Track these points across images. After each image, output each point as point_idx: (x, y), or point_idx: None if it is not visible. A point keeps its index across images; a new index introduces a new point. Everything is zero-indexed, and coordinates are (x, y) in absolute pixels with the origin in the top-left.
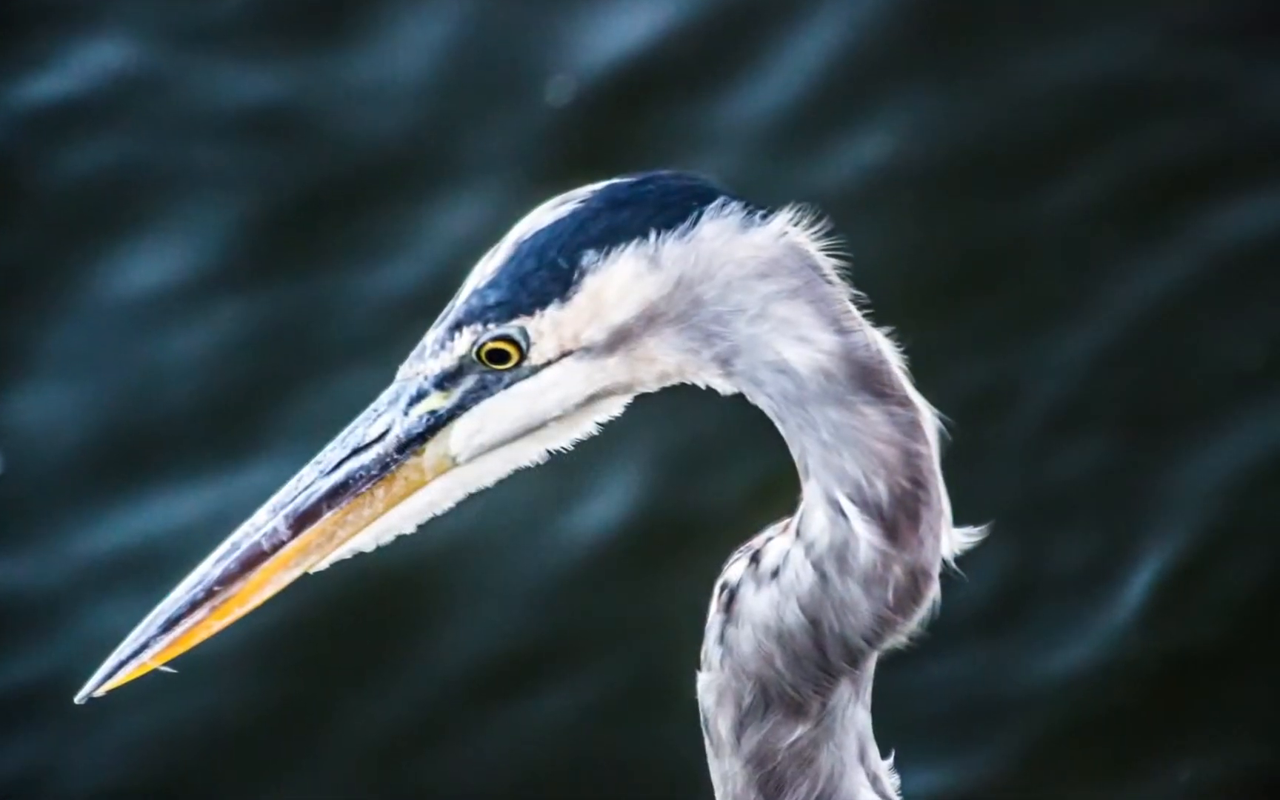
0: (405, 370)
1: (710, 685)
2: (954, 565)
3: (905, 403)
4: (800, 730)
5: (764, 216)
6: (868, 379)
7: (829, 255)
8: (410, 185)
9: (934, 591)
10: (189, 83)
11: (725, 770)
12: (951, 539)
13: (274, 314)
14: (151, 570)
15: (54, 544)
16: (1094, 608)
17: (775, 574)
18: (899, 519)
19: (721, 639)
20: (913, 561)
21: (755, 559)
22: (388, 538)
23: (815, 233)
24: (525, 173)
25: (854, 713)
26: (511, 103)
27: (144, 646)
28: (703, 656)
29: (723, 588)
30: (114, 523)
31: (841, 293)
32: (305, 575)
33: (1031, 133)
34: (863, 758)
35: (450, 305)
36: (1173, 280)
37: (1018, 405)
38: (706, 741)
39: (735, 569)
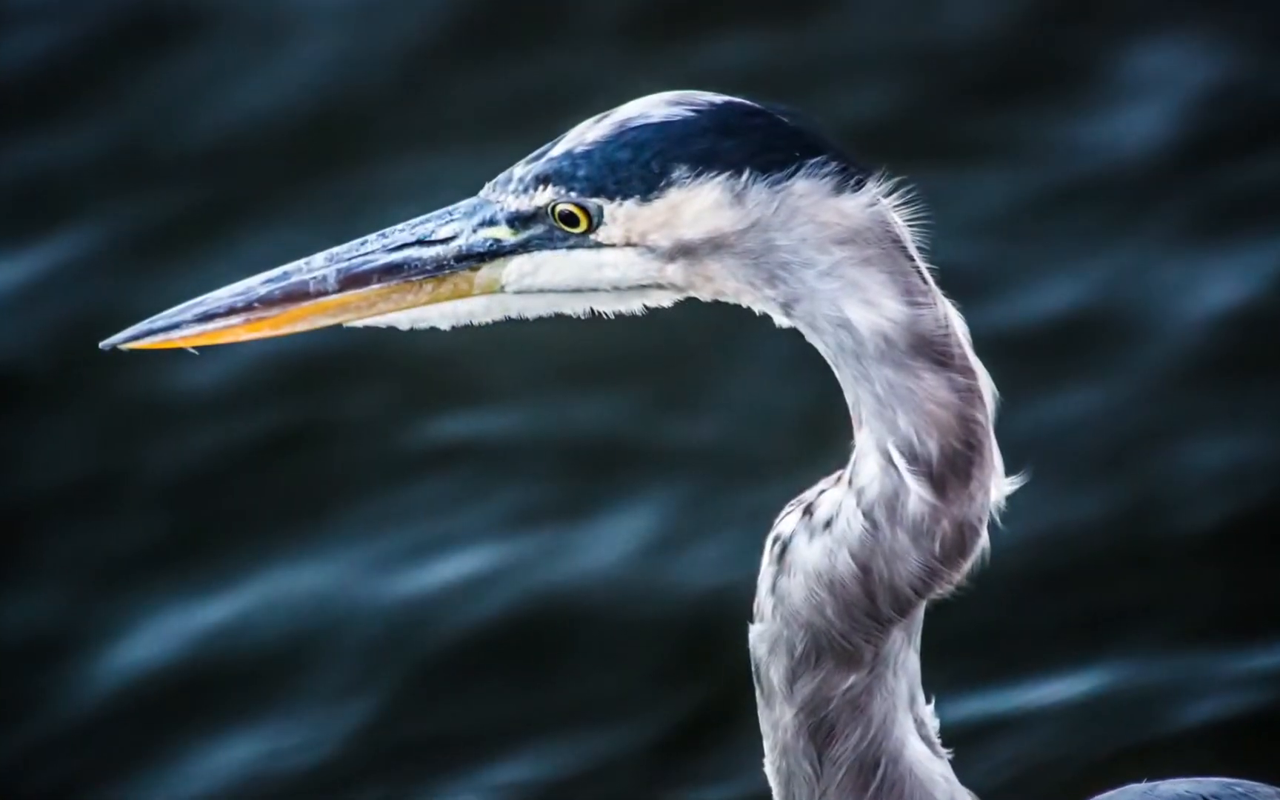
0: (488, 190)
1: (763, 635)
2: (997, 516)
3: (965, 371)
4: (854, 678)
5: (858, 183)
6: (929, 348)
7: (914, 225)
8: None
9: (981, 544)
10: None
11: (776, 718)
12: (1000, 490)
13: None
14: None
15: None
16: None
17: (828, 525)
18: (948, 476)
19: (773, 589)
20: (961, 516)
21: (808, 511)
22: (422, 325)
23: (904, 201)
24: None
25: (906, 659)
26: None
27: (175, 326)
28: (755, 608)
29: (775, 540)
30: None
31: (919, 266)
32: (339, 327)
33: None
34: (912, 703)
35: (545, 149)
36: None
37: None
38: (757, 691)
39: (788, 521)
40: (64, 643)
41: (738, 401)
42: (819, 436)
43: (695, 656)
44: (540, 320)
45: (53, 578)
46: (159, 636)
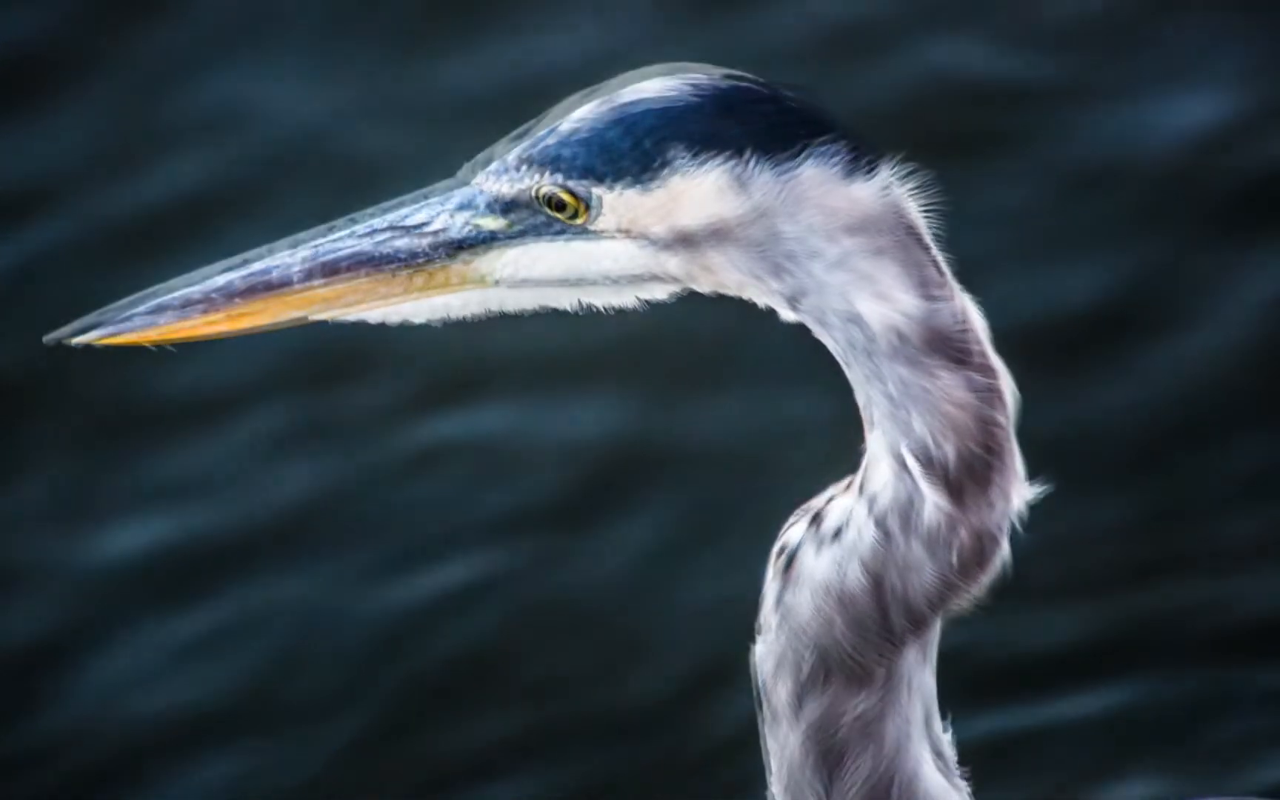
0: (467, 172)
1: (768, 653)
2: (1018, 524)
3: (985, 369)
4: (864, 698)
5: (870, 167)
6: (945, 344)
7: (930, 211)
8: None
9: (1001, 556)
10: None
11: (781, 741)
12: (1021, 498)
13: None
14: None
15: None
16: None
17: (837, 535)
18: (965, 482)
19: (779, 604)
20: (979, 525)
21: (816, 520)
22: (395, 320)
23: (919, 186)
24: None
25: (921, 679)
26: None
27: (126, 319)
28: (759, 624)
29: (780, 551)
30: None
31: (935, 257)
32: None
33: None
34: (927, 725)
35: (529, 128)
36: None
37: None
38: (762, 712)
39: (795, 531)
40: (37, 657)
41: (743, 403)
42: (828, 440)
43: (698, 672)
44: (536, 315)
45: (25, 589)
46: (136, 650)
